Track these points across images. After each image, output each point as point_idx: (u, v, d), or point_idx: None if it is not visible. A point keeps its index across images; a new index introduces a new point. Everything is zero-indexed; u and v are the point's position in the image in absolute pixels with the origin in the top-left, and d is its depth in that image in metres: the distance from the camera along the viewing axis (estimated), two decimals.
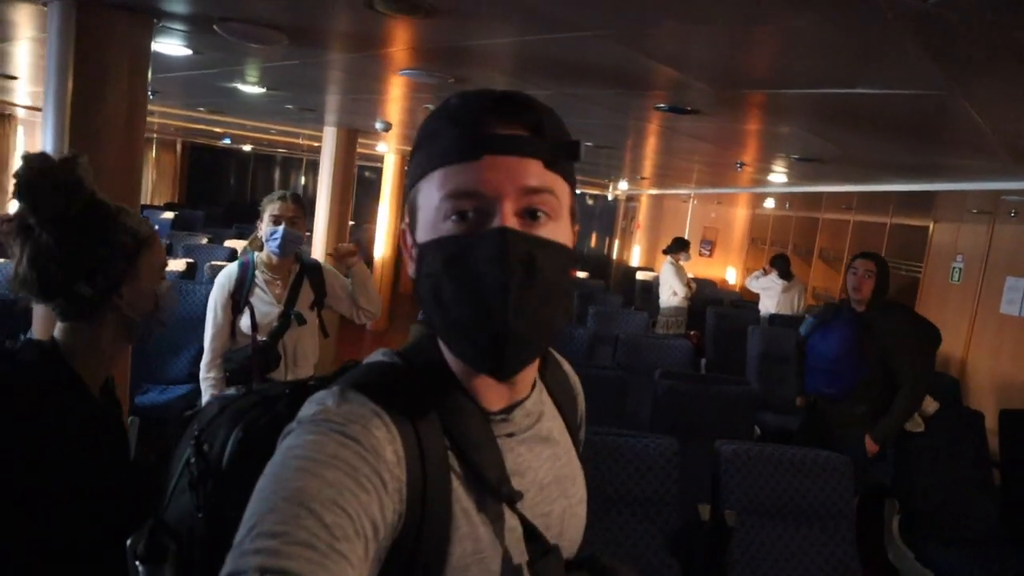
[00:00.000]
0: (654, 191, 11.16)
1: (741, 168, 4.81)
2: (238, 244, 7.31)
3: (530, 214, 0.76)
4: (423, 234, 0.78)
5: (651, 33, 1.92)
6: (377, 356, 0.85)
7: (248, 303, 2.96)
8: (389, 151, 8.94)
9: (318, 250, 5.96)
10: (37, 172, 1.29)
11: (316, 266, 3.15)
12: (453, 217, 0.75)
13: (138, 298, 1.39)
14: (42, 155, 1.31)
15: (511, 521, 0.80)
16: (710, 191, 9.25)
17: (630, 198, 13.56)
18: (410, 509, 0.72)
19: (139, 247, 1.39)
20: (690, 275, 8.07)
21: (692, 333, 7.99)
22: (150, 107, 6.94)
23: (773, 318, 7.44)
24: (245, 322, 2.93)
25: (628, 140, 4.61)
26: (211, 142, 12.26)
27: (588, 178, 10.93)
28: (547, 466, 0.87)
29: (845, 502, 3.01)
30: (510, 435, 0.83)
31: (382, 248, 9.24)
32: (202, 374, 2.97)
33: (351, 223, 12.93)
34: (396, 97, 3.86)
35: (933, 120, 2.40)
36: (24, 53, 3.77)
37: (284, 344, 2.98)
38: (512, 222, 0.74)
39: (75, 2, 2.20)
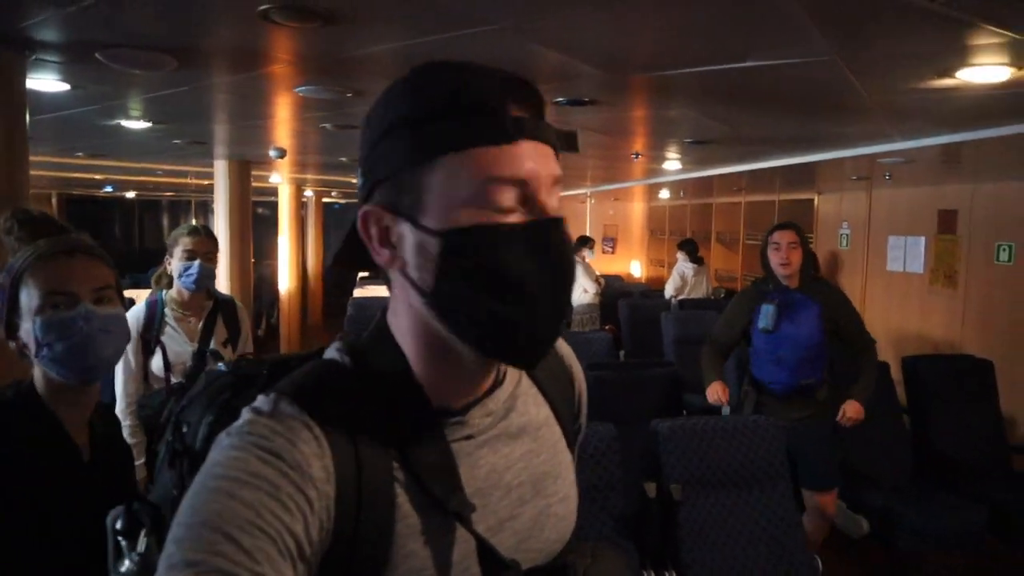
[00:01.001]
0: None
1: (637, 158, 4.96)
2: (135, 293, 6.96)
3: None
4: (443, 219, 0.69)
5: (546, 24, 1.96)
6: (331, 352, 0.81)
7: (160, 343, 2.82)
8: (283, 181, 8.73)
9: (223, 290, 5.74)
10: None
11: (230, 301, 3.04)
12: (497, 204, 0.69)
13: (27, 337, 1.29)
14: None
15: (464, 535, 0.74)
16: (606, 188, 9.48)
17: None
18: (339, 526, 0.68)
19: (14, 284, 1.29)
20: (597, 272, 8.26)
21: (608, 327, 8.16)
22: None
23: (683, 303, 7.69)
24: (157, 363, 2.79)
25: None
26: (90, 192, 11.61)
27: None
28: (518, 466, 0.82)
29: (780, 462, 3.14)
30: (468, 438, 0.78)
31: (286, 282, 9.00)
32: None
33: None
34: (288, 119, 3.78)
35: (816, 89, 2.54)
36: None
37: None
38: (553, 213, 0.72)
39: None
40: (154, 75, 2.56)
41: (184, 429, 0.81)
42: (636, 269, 11.95)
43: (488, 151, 0.69)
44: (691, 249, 8.33)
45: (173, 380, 2.80)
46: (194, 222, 3.07)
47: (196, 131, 4.14)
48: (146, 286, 7.06)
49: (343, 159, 5.73)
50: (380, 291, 8.86)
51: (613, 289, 9.22)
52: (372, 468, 0.70)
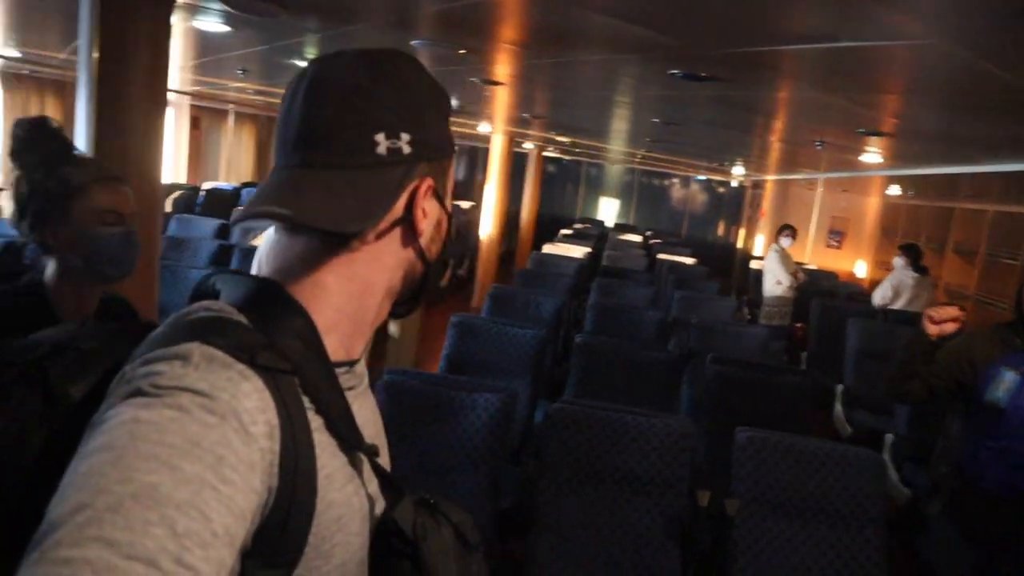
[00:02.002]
0: (771, 176, 10.59)
1: (822, 146, 4.48)
2: None
3: None
4: (447, 203, 0.86)
5: None
6: (209, 311, 0.72)
7: None
8: (495, 132, 9.05)
9: None
10: (12, 131, 1.52)
11: None
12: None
13: (70, 240, 1.52)
14: (20, 119, 1.53)
15: (368, 475, 0.78)
16: (832, 175, 8.66)
17: (756, 185, 12.93)
18: (283, 481, 0.66)
19: (69, 194, 1.52)
20: (810, 264, 7.60)
21: (798, 325, 7.54)
22: (259, 87, 7.41)
23: (888, 313, 6.85)
24: None
25: (682, 114, 4.41)
26: None
27: (706, 163, 10.58)
28: (371, 419, 0.87)
29: (873, 504, 2.77)
30: (351, 388, 0.81)
31: (489, 228, 9.42)
32: None
33: (470, 204, 13.23)
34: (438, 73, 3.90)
35: (953, 81, 2.15)
36: None
37: None
38: None
39: None
40: (291, 23, 2.79)
41: None
42: (861, 270, 10.83)
43: None
44: (915, 255, 7.33)
45: None
46: None
47: None
48: None
49: (525, 115, 5.83)
50: (570, 250, 8.98)
51: (819, 286, 8.48)
52: (297, 418, 0.69)
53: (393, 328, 6.25)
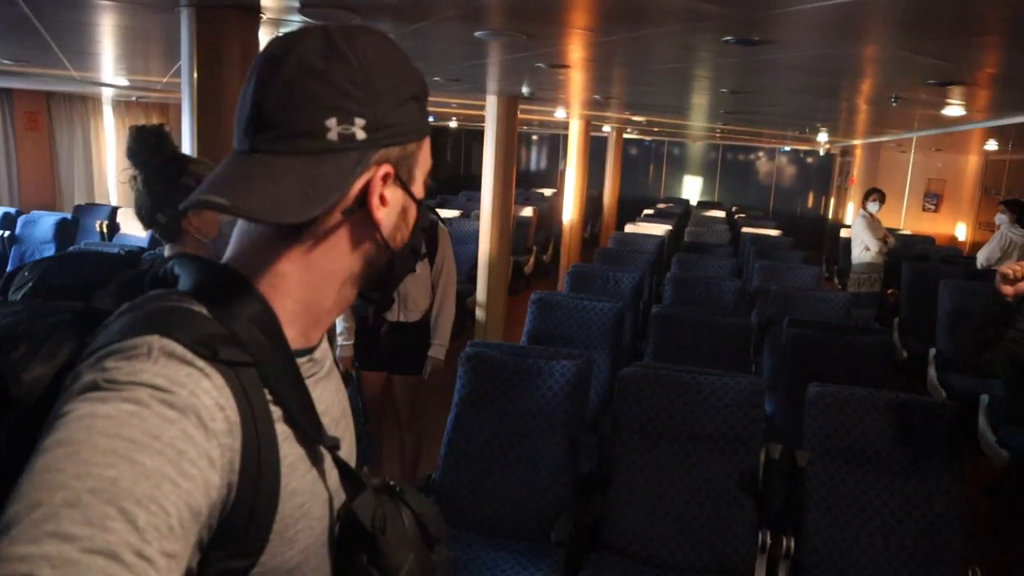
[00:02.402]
0: (859, 141, 10.24)
1: (897, 102, 4.41)
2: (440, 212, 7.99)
3: None
4: (417, 190, 0.81)
5: None
6: (167, 300, 0.72)
7: None
8: (572, 117, 9.18)
9: (485, 218, 6.30)
10: (134, 137, 1.79)
11: (434, 222, 3.54)
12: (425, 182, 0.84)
13: (203, 225, 1.84)
14: (137, 125, 1.82)
15: (329, 465, 0.79)
16: (924, 133, 8.32)
17: (845, 152, 12.52)
18: (244, 477, 0.67)
19: (199, 183, 1.84)
20: (904, 230, 7.37)
21: (889, 291, 7.36)
22: None
23: (985, 274, 6.60)
24: None
25: (747, 81, 4.43)
26: None
27: (788, 132, 10.36)
28: (336, 400, 0.88)
29: (945, 452, 2.80)
30: (312, 375, 0.81)
31: (570, 212, 9.56)
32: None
33: (551, 192, 13.36)
34: (502, 62, 4.07)
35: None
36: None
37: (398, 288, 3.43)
38: None
39: (195, 6, 2.73)
40: (370, 23, 3.04)
41: None
42: (961, 232, 10.36)
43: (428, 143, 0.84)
44: (1020, 210, 6.99)
45: None
46: None
47: (444, 70, 4.69)
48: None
49: (596, 96, 5.93)
50: (651, 228, 9.00)
51: (913, 250, 8.22)
52: (259, 412, 0.70)
53: (480, 313, 6.52)
